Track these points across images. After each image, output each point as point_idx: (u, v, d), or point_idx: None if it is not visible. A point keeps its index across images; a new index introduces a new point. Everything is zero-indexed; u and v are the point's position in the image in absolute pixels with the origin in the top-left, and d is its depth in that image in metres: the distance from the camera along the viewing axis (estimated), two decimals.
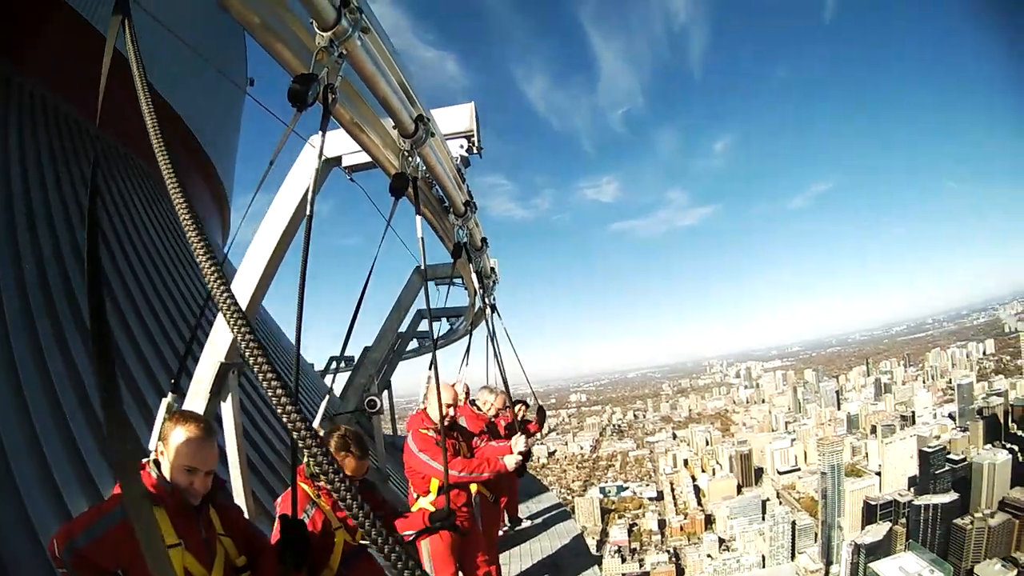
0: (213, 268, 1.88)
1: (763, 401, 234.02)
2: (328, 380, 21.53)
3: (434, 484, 6.56)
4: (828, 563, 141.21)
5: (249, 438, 9.66)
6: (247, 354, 1.79)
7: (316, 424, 4.85)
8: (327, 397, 5.48)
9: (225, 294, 1.84)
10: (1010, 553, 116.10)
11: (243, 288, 4.93)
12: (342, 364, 17.93)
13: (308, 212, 3.43)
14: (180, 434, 3.20)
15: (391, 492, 12.36)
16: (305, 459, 4.41)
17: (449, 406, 6.48)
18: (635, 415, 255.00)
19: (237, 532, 3.57)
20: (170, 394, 3.68)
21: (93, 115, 12.61)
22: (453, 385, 7.32)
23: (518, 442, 7.03)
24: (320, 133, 3.53)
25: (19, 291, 8.01)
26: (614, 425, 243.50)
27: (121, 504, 3.00)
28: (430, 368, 5.84)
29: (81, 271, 9.28)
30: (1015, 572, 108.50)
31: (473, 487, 7.20)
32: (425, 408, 6.70)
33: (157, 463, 3.25)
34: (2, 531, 5.14)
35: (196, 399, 4.82)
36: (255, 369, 1.77)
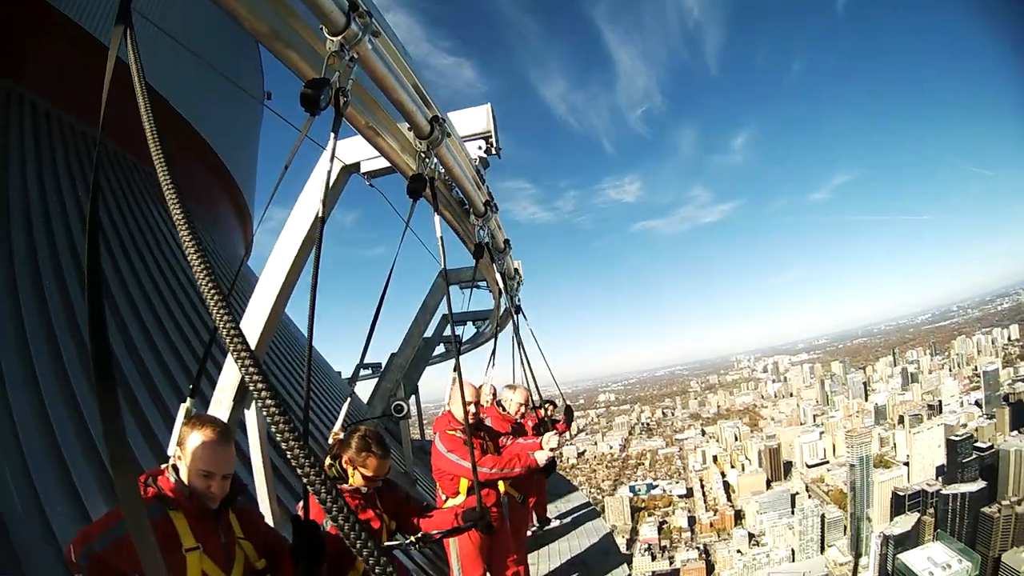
0: (220, 304, 1.89)
1: (791, 395, 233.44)
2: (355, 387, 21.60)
3: (463, 485, 6.58)
4: (857, 555, 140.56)
5: (275, 442, 9.60)
6: (255, 394, 1.81)
7: (337, 429, 4.86)
8: (348, 401, 5.44)
9: (232, 329, 1.86)
10: None
11: (264, 298, 4.96)
12: (370, 371, 17.94)
13: (321, 214, 3.43)
14: (196, 438, 3.20)
15: (419, 495, 12.36)
16: (327, 463, 4.47)
17: (470, 403, 6.41)
18: (664, 413, 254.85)
19: (257, 536, 3.57)
20: (188, 399, 3.68)
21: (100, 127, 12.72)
22: (479, 387, 7.30)
23: (551, 439, 6.97)
24: (332, 136, 3.52)
25: (39, 303, 8.06)
26: (643, 423, 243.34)
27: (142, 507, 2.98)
28: (455, 371, 5.86)
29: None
30: None
31: (501, 487, 7.17)
32: (451, 410, 6.69)
33: (176, 468, 3.25)
34: (23, 537, 5.15)
35: (220, 407, 4.83)
36: (262, 409, 1.80)
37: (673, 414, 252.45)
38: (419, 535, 4.73)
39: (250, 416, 5.01)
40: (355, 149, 5.52)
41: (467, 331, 18.67)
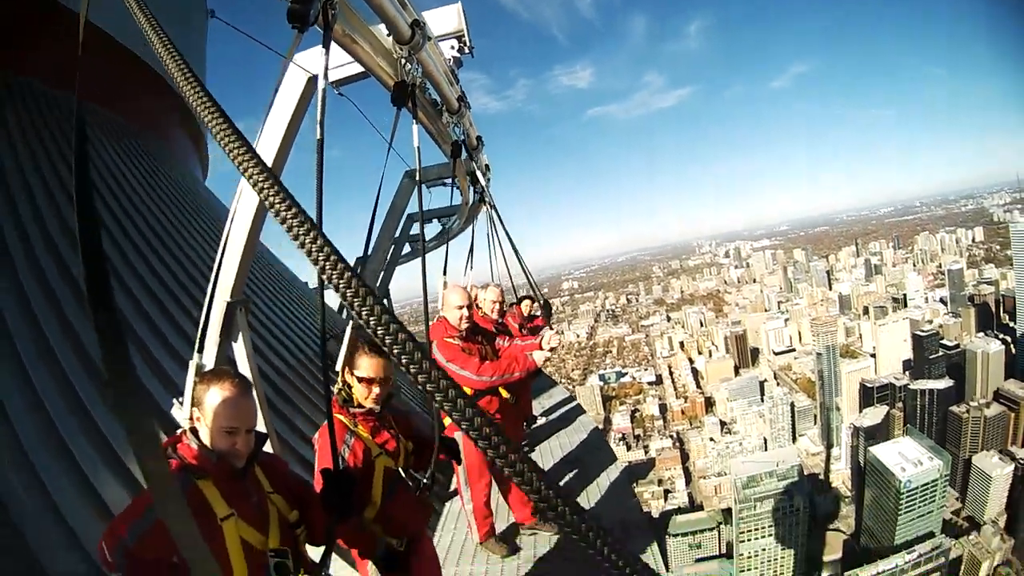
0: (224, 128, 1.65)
1: (754, 281, 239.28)
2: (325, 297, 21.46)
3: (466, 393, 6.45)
4: (829, 446, 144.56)
5: (264, 376, 9.46)
6: (275, 211, 1.52)
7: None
8: (351, 325, 5.28)
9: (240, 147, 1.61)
10: (1006, 446, 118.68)
11: (241, 220, 4.70)
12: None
13: (319, 136, 3.24)
14: (215, 395, 2.99)
15: (403, 402, 12.29)
16: (336, 388, 4.29)
17: (461, 307, 6.47)
18: (628, 299, 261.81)
19: (285, 487, 3.39)
20: (196, 354, 3.49)
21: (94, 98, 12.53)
22: (466, 288, 7.22)
23: (551, 338, 6.93)
24: (324, 53, 3.31)
25: (16, 288, 7.74)
26: (608, 311, 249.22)
27: None
28: (444, 273, 5.79)
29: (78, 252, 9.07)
30: (1012, 467, 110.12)
31: (503, 392, 7.13)
32: (446, 316, 6.64)
33: (195, 431, 3.05)
34: (30, 522, 5.00)
35: (205, 343, 4.64)
36: (280, 215, 1.48)
37: (637, 300, 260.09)
38: (429, 473, 4.58)
39: (238, 349, 4.83)
40: (321, 58, 5.26)
41: (432, 229, 18.65)
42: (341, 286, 1.44)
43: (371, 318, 1.40)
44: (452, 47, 6.99)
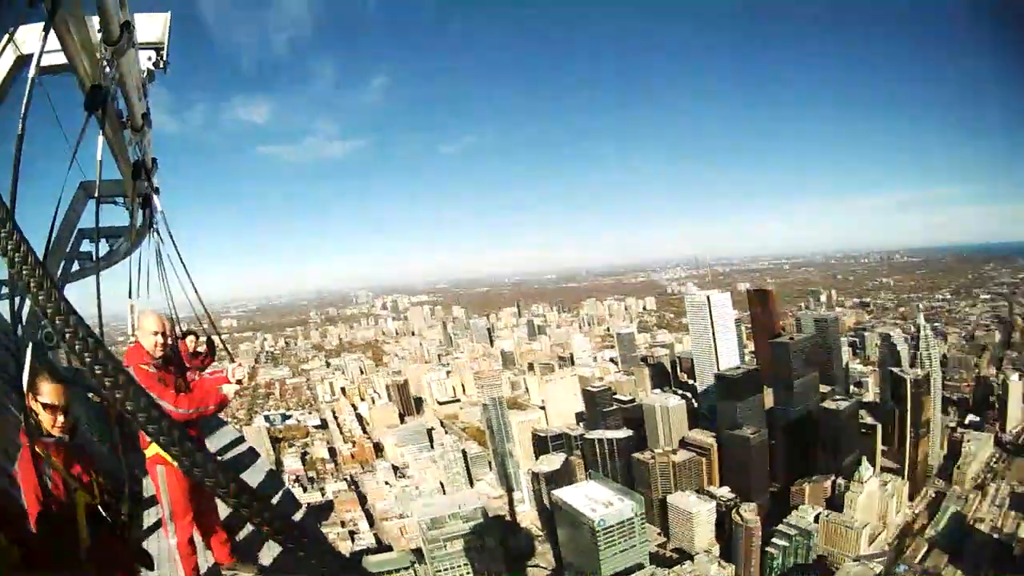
0: None
1: (413, 333, 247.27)
2: None
3: None
4: (510, 489, 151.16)
5: None
6: None
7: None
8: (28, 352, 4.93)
9: None
10: (703, 486, 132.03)
11: None
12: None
13: (20, 130, 3.11)
14: None
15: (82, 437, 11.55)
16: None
17: (157, 333, 6.26)
18: (287, 342, 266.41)
19: None
20: None
21: None
22: (159, 315, 6.98)
23: (237, 371, 7.12)
24: (42, 36, 3.21)
25: None
26: (267, 352, 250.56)
27: None
28: (130, 296, 5.62)
29: None
30: (713, 503, 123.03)
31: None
32: (141, 341, 6.33)
33: None
34: None
35: None
36: None
37: (296, 344, 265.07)
38: (126, 509, 4.31)
39: None
40: (34, 39, 4.95)
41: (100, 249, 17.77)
42: (40, 296, 1.36)
43: (70, 335, 1.33)
44: (149, 58, 6.63)
